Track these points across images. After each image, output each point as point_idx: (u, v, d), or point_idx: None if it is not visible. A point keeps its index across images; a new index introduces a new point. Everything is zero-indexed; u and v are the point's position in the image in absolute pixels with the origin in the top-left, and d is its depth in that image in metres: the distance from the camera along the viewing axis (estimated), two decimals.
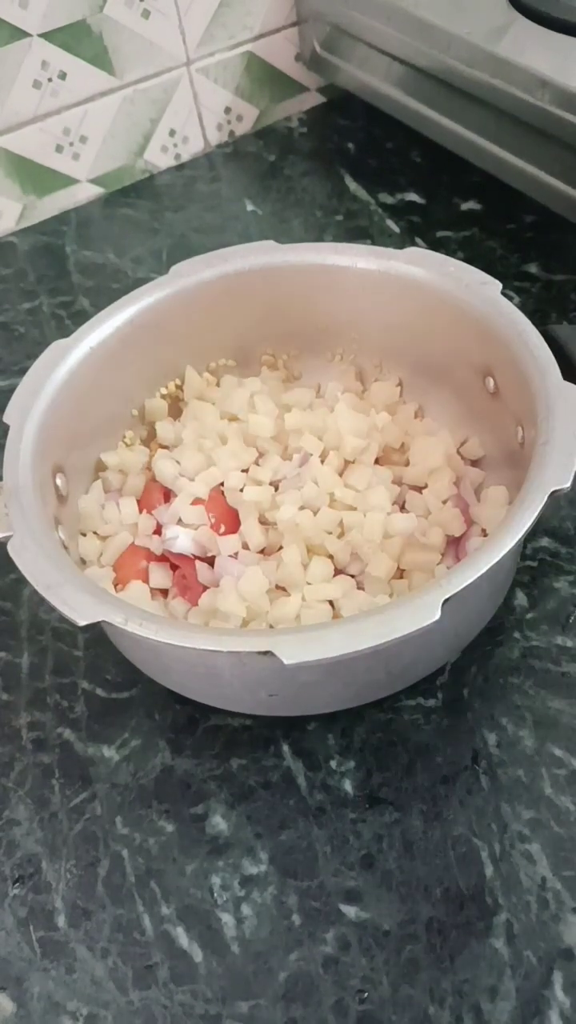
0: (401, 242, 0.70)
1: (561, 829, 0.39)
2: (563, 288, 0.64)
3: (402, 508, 0.48)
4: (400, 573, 0.45)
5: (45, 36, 0.69)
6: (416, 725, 0.43)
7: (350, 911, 0.38)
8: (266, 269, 0.51)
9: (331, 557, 0.45)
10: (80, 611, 0.36)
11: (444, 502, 0.47)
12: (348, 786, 0.42)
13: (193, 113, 0.81)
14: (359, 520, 0.45)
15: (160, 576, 0.46)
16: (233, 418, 0.52)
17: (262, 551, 0.46)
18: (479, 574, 0.35)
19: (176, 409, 0.53)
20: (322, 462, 0.49)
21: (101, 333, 0.48)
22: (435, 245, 0.69)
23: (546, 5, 0.61)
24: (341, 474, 0.49)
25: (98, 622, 0.36)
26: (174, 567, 0.46)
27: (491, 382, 0.47)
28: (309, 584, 0.44)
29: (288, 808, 0.42)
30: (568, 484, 0.37)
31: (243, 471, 0.49)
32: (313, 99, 0.87)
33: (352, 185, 0.76)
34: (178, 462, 0.49)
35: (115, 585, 0.46)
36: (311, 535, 0.45)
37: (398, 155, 0.79)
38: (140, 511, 0.48)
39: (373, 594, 0.44)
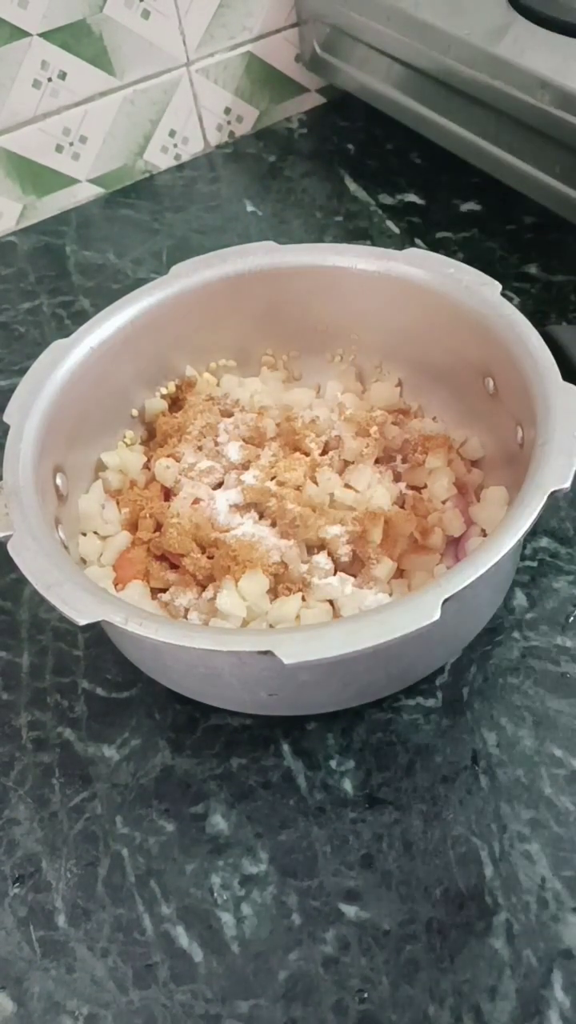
0: (401, 243, 0.70)
1: (561, 829, 0.40)
2: (563, 289, 0.64)
3: (402, 508, 0.48)
4: (400, 573, 0.46)
5: (45, 36, 0.69)
6: (416, 725, 0.43)
7: (350, 911, 0.38)
8: (266, 270, 0.51)
9: (331, 556, 0.45)
10: (80, 610, 0.36)
11: (444, 502, 0.48)
12: (348, 786, 0.42)
13: (193, 114, 0.81)
14: (359, 519, 0.45)
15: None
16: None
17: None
18: (479, 574, 0.35)
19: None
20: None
21: (101, 333, 0.48)
22: (435, 246, 0.69)
23: (546, 6, 0.61)
24: (341, 474, 0.49)
25: (98, 622, 0.36)
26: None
27: (491, 383, 0.47)
28: (309, 583, 0.44)
29: (288, 808, 0.42)
30: (567, 484, 0.37)
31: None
32: (313, 100, 0.87)
33: (352, 186, 0.77)
34: (178, 461, 0.49)
35: (115, 585, 0.46)
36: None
37: (398, 156, 0.79)
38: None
39: (373, 594, 0.44)
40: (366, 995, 0.36)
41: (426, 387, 0.53)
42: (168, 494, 0.49)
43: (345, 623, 0.36)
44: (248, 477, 0.48)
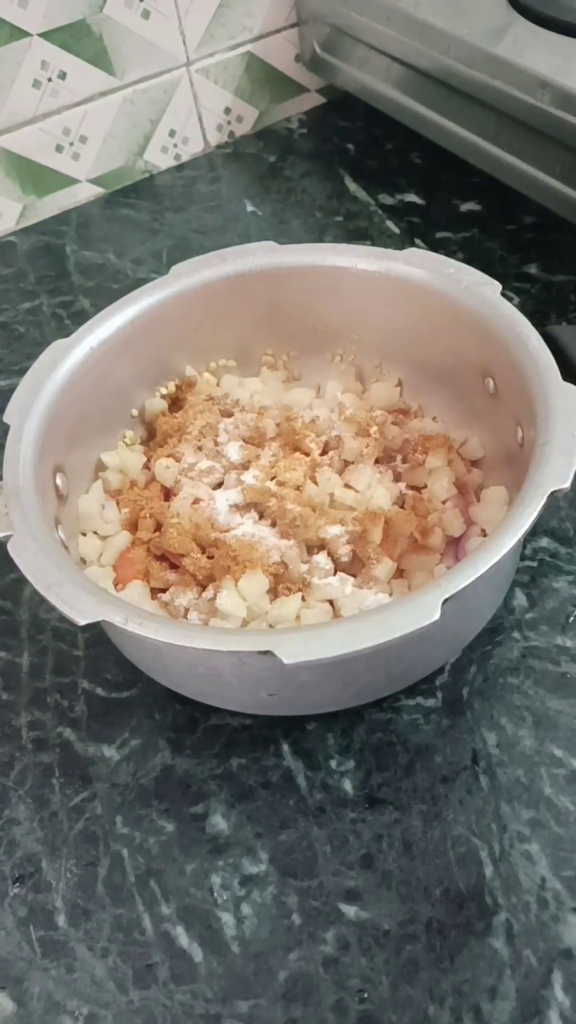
0: (401, 243, 0.70)
1: (561, 829, 0.40)
2: (562, 289, 0.64)
3: (402, 508, 0.48)
4: (400, 573, 0.46)
5: (45, 36, 0.69)
6: (416, 725, 0.43)
7: (350, 911, 0.38)
8: (266, 270, 0.51)
9: (331, 556, 0.45)
10: (80, 610, 0.36)
11: (444, 502, 0.48)
12: (348, 786, 0.42)
13: (193, 114, 0.81)
14: (359, 519, 0.45)
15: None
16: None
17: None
18: (479, 574, 0.35)
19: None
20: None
21: (101, 333, 0.48)
22: (435, 246, 0.69)
23: (546, 6, 0.61)
24: (341, 474, 0.49)
25: (98, 621, 0.36)
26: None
27: (491, 383, 0.47)
28: (309, 583, 0.44)
29: (288, 808, 0.42)
30: (567, 484, 0.37)
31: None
32: (313, 100, 0.87)
33: (352, 186, 0.77)
34: (178, 461, 0.49)
35: (115, 585, 0.46)
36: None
37: (398, 156, 0.79)
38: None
39: (373, 594, 0.44)
40: (366, 995, 0.36)
41: (426, 387, 0.53)
42: (168, 494, 0.49)
43: (345, 623, 0.36)
44: (248, 477, 0.48)
